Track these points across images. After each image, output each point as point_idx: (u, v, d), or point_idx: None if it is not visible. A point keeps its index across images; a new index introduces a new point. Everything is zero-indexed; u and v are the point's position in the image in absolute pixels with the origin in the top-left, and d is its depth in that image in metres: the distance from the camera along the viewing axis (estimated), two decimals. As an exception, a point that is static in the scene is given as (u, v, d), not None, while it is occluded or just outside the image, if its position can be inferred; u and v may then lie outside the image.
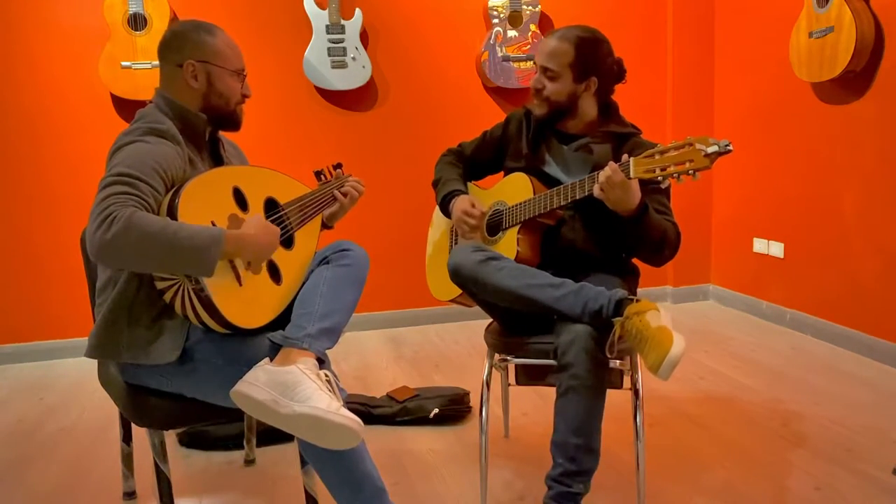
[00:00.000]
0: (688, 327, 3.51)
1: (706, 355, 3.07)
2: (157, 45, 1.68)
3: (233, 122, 1.72)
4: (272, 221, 1.66)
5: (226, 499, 2.01)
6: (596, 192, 1.67)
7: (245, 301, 1.50)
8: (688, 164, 1.55)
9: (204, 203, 1.49)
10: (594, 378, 1.61)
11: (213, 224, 1.49)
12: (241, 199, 1.60)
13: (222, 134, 1.78)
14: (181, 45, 1.63)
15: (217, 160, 1.74)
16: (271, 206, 1.69)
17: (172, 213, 1.42)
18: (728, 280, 3.89)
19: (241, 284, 1.50)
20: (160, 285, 1.48)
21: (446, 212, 2.06)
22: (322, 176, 1.95)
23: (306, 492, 1.77)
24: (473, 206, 1.96)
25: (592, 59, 1.87)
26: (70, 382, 3.03)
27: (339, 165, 1.99)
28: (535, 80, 1.91)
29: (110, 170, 1.43)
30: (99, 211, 1.34)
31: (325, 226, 1.91)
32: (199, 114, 1.64)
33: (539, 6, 3.51)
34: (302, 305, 1.57)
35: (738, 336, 3.34)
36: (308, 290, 1.60)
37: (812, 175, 3.22)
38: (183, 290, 1.45)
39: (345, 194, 1.90)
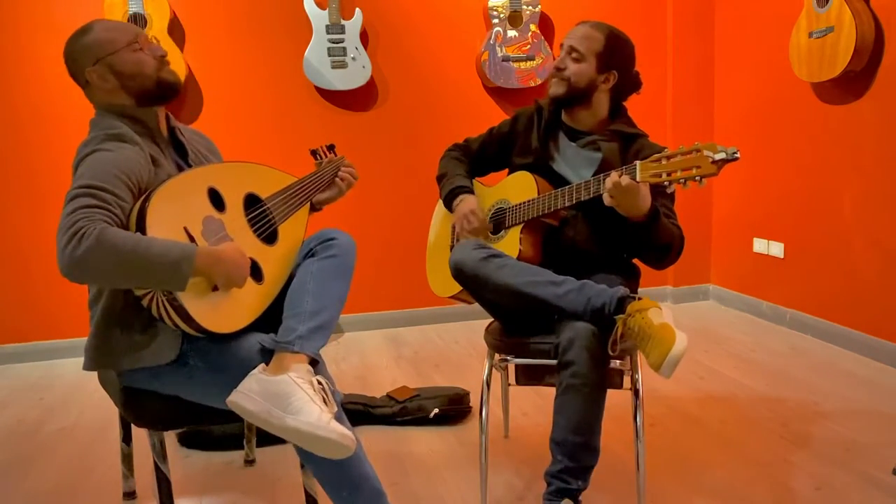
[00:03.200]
0: (688, 327, 3.50)
1: (706, 355, 3.07)
2: None
3: (167, 88, 1.59)
4: (254, 217, 1.63)
5: (226, 499, 2.01)
6: (606, 200, 1.66)
7: (221, 305, 1.47)
8: (694, 171, 1.55)
9: (176, 206, 1.46)
10: (595, 376, 1.61)
11: (186, 230, 1.46)
12: (217, 199, 1.56)
13: (177, 123, 1.72)
14: (73, 60, 1.57)
15: (180, 150, 1.68)
16: (252, 201, 1.65)
17: (142, 219, 1.38)
18: (728, 280, 3.89)
19: (216, 289, 1.47)
20: (138, 291, 1.46)
21: (450, 206, 2.05)
22: (317, 155, 1.93)
23: (306, 492, 1.77)
24: (476, 212, 1.96)
25: (618, 54, 1.89)
26: (70, 382, 3.03)
27: (332, 147, 1.97)
28: (558, 60, 1.92)
29: (74, 182, 1.40)
30: (67, 226, 1.31)
31: (314, 208, 1.87)
32: (147, 109, 1.58)
33: (539, 6, 3.51)
34: (291, 305, 1.55)
35: (737, 336, 3.34)
36: (295, 288, 1.58)
37: (812, 175, 3.22)
38: (157, 297, 1.43)
39: (342, 179, 1.89)
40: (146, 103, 1.59)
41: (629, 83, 1.94)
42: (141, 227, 1.38)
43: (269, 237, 1.66)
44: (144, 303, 1.46)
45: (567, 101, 1.92)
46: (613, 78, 1.90)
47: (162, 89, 1.59)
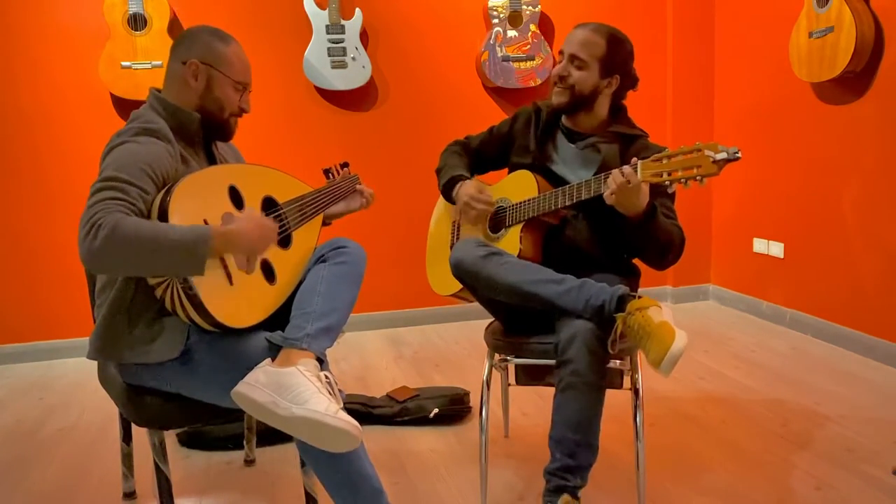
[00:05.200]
0: (688, 327, 3.50)
1: (706, 355, 3.07)
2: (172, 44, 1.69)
3: (223, 132, 1.71)
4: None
5: (226, 499, 2.01)
6: (607, 198, 1.66)
7: (235, 300, 1.50)
8: (695, 170, 1.55)
9: (197, 201, 1.48)
10: (594, 374, 1.61)
11: (206, 223, 1.48)
12: (236, 198, 1.59)
13: None
14: (191, 43, 1.64)
15: (210, 157, 1.74)
16: (269, 204, 1.68)
17: (164, 211, 1.41)
18: (728, 280, 3.89)
19: (231, 283, 1.49)
20: (152, 281, 1.48)
21: (449, 197, 2.05)
22: (330, 174, 1.96)
23: (306, 492, 1.77)
24: (482, 191, 1.96)
25: (620, 57, 1.88)
26: (70, 382, 3.03)
27: (345, 164, 2.00)
28: (560, 68, 1.89)
29: (100, 174, 1.43)
30: (87, 219, 1.34)
31: (324, 222, 1.91)
32: (192, 112, 1.64)
33: (539, 6, 3.51)
34: (300, 305, 1.57)
35: (738, 336, 3.34)
36: (306, 289, 1.60)
37: (812, 175, 3.22)
38: (173, 287, 1.45)
39: (361, 194, 1.93)
40: (201, 116, 1.66)
41: (629, 83, 1.93)
42: (163, 217, 1.41)
43: (284, 241, 1.68)
44: (158, 293, 1.48)
45: (570, 109, 1.92)
46: (616, 82, 1.89)
47: (220, 129, 1.70)
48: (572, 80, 1.87)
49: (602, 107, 1.92)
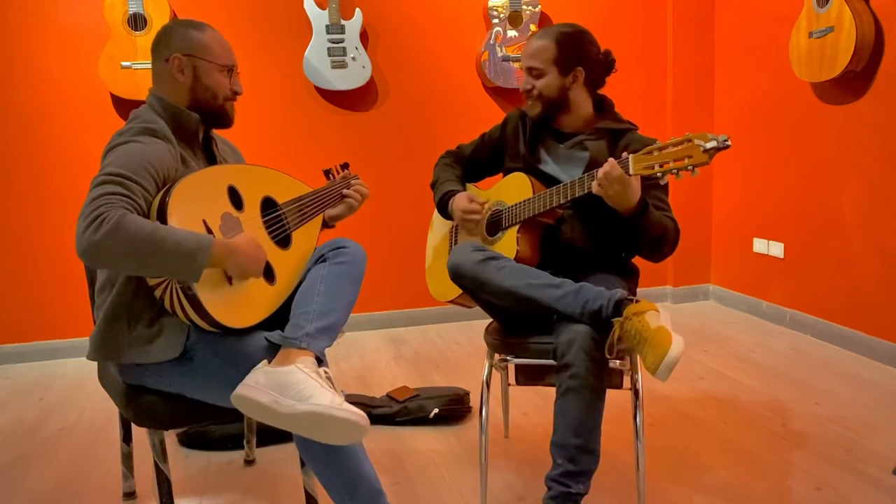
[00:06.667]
0: (688, 327, 3.50)
1: (706, 355, 3.07)
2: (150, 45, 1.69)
3: (222, 119, 1.71)
4: (269, 220, 1.66)
5: (226, 499, 2.01)
6: (594, 188, 1.67)
7: (235, 300, 1.50)
8: (687, 161, 1.55)
9: (196, 201, 1.49)
10: (594, 378, 1.61)
11: (205, 223, 1.48)
12: (236, 198, 1.59)
13: (217, 133, 1.78)
14: (168, 40, 1.64)
15: (211, 159, 1.74)
16: (269, 205, 1.68)
17: (163, 210, 1.41)
18: (728, 280, 3.89)
19: (231, 283, 1.49)
20: (152, 281, 1.48)
21: (444, 212, 2.06)
22: (330, 175, 1.96)
23: (306, 492, 1.77)
24: (472, 200, 1.97)
25: (575, 50, 1.89)
26: (70, 382, 3.03)
27: (346, 165, 2.00)
28: (524, 83, 1.93)
29: (102, 169, 1.43)
30: (89, 211, 1.34)
31: (326, 225, 1.91)
32: (192, 113, 1.64)
33: (539, 6, 3.51)
34: (300, 305, 1.57)
35: (738, 336, 3.34)
36: (306, 288, 1.60)
37: (812, 175, 3.22)
38: (172, 287, 1.45)
39: (350, 196, 1.91)
40: (197, 112, 1.66)
41: (600, 68, 1.93)
42: (162, 217, 1.41)
43: (283, 241, 1.69)
44: (157, 293, 1.48)
45: (549, 116, 1.94)
46: (581, 74, 1.89)
47: (218, 116, 1.69)
48: (537, 90, 1.90)
49: (581, 101, 1.93)
